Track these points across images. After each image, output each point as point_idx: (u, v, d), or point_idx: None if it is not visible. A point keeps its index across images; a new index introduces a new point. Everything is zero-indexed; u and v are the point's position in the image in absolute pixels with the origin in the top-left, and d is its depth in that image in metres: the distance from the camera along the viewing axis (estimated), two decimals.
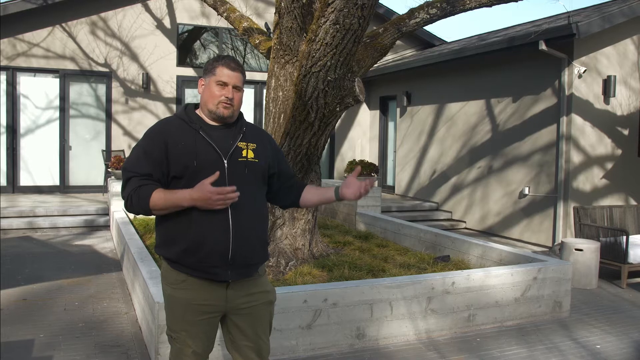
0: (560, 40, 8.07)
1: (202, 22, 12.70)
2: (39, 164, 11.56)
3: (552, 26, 8.41)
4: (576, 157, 8.35)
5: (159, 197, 2.34)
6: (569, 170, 8.33)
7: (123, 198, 2.43)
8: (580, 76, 8.26)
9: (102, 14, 11.90)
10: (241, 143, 2.49)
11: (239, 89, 2.48)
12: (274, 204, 2.78)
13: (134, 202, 2.36)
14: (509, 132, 9.46)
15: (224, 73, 2.44)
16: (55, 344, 4.27)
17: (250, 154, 2.50)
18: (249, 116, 13.22)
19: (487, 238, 9.11)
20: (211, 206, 2.30)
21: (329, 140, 13.72)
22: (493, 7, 6.38)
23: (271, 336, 4.04)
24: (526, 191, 9.04)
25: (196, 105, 2.57)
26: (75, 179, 11.87)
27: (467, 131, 10.50)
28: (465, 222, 10.52)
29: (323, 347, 4.24)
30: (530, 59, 8.97)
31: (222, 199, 2.29)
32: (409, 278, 4.67)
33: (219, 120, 2.48)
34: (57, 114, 11.64)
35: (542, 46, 8.09)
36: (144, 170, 2.39)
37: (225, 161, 2.42)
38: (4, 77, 11.30)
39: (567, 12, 8.99)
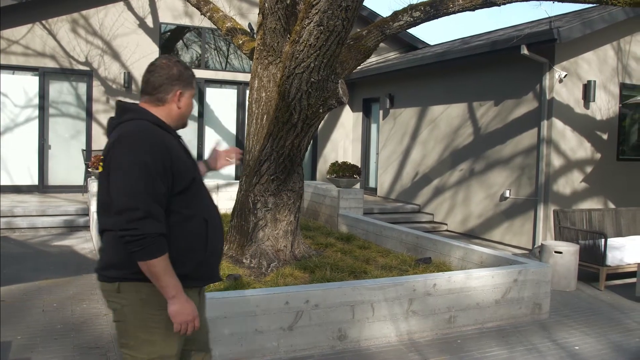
0: (542, 45, 8.16)
1: (185, 21, 12.62)
2: (17, 163, 11.38)
3: (534, 31, 8.50)
4: (556, 161, 8.44)
5: (166, 263, 2.14)
6: (550, 174, 8.42)
7: (132, 227, 2.08)
8: (561, 81, 8.35)
9: (84, 12, 11.77)
10: None
11: None
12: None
13: (144, 245, 2.09)
14: (491, 135, 9.53)
15: (195, 86, 2.46)
16: (33, 345, 4.21)
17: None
18: (231, 117, 13.17)
19: (468, 240, 9.17)
20: (181, 322, 2.20)
21: (311, 141, 13.76)
22: (476, 11, 6.42)
23: (253, 337, 4.04)
24: (507, 194, 9.11)
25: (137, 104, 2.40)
26: (54, 179, 11.71)
27: (450, 134, 10.57)
28: (446, 224, 10.57)
29: (304, 349, 4.23)
30: (512, 63, 9.06)
31: (191, 327, 2.24)
32: (391, 280, 4.68)
33: (178, 128, 2.45)
34: (36, 112, 11.47)
35: (524, 50, 8.17)
36: (160, 199, 2.16)
37: (196, 167, 2.46)
38: None
39: (549, 18, 9.11)
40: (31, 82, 11.49)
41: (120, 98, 12.02)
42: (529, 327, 5.05)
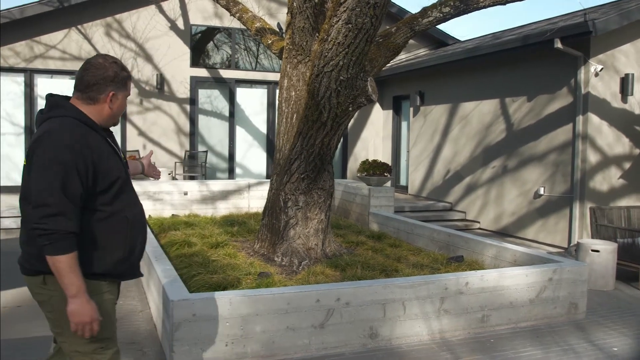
0: (576, 38, 7.99)
1: (215, 22, 12.75)
2: None
3: (567, 24, 8.33)
4: (593, 157, 8.26)
5: (72, 262, 2.17)
6: (586, 170, 8.25)
7: (43, 223, 2.13)
8: (596, 74, 8.17)
9: (117, 16, 11.99)
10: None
11: None
12: None
13: (52, 240, 2.14)
14: (524, 132, 9.38)
15: (130, 87, 2.50)
16: None
17: (123, 155, 2.60)
18: (262, 117, 13.26)
19: (501, 238, 9.05)
20: (78, 323, 2.21)
21: (341, 140, 13.75)
22: (507, 4, 6.32)
23: (284, 335, 4.06)
24: (541, 191, 8.96)
25: (67, 98, 2.39)
26: None
27: (481, 130, 10.44)
28: (479, 222, 10.45)
29: (336, 347, 4.23)
30: (545, 58, 8.89)
31: (88, 329, 2.24)
32: (422, 278, 4.65)
33: (108, 127, 2.48)
34: None
35: (558, 44, 8.01)
36: (75, 198, 2.19)
37: (125, 167, 2.51)
38: (21, 79, 11.43)
39: (584, 10, 8.91)
40: (68, 86, 11.75)
41: (152, 99, 12.21)
42: (564, 327, 4.95)
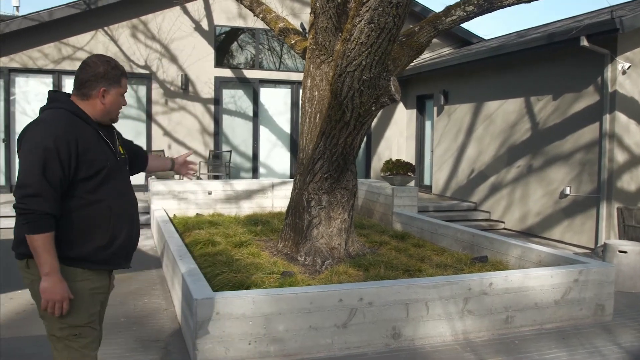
0: (603, 36, 7.86)
1: (239, 23, 12.83)
2: None
3: (594, 21, 8.21)
4: (620, 156, 8.13)
5: (46, 241, 2.29)
6: (613, 170, 8.12)
7: (22, 202, 2.28)
8: (624, 72, 8.03)
9: (143, 17, 12.15)
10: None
11: None
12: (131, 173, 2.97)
13: (29, 220, 2.28)
14: (549, 131, 9.26)
15: (125, 84, 2.60)
16: None
17: (123, 150, 2.70)
18: (285, 116, 13.32)
19: (526, 239, 8.95)
20: (48, 299, 2.32)
21: (365, 139, 13.73)
22: (532, 3, 6.25)
23: (307, 334, 4.08)
24: (567, 191, 8.84)
25: (68, 95, 2.55)
26: None
27: (506, 130, 10.34)
28: (504, 222, 10.35)
29: (359, 346, 4.24)
30: (571, 56, 8.77)
31: (58, 308, 2.35)
32: (446, 278, 4.63)
33: (105, 123, 2.58)
34: None
35: (584, 42, 7.89)
36: (54, 182, 2.31)
37: (118, 159, 2.59)
38: (50, 80, 11.65)
39: (610, 7, 8.76)
40: None
41: (177, 99, 12.33)
42: (590, 329, 4.88)
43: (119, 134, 2.74)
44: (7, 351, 4.09)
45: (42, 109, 2.49)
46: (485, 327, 4.63)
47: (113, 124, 2.69)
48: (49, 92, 2.52)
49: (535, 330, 4.78)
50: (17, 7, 18.54)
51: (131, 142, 2.94)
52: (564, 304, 4.93)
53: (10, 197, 10.54)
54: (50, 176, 2.29)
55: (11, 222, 9.20)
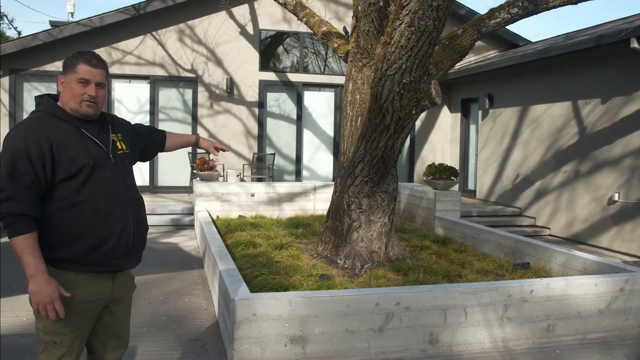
0: None
1: (283, 27, 12.95)
2: None
3: None
4: None
5: (28, 243, 2.25)
6: None
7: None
8: None
9: (189, 22, 12.41)
10: (113, 135, 2.55)
11: (102, 85, 2.46)
12: (145, 160, 2.95)
13: (7, 223, 2.26)
14: (597, 135, 9.01)
15: (84, 70, 2.41)
16: (139, 335, 4.50)
17: (123, 145, 2.59)
18: (329, 120, 13.36)
19: (572, 246, 8.72)
20: (38, 302, 2.27)
21: (408, 143, 13.68)
22: (579, 4, 6.11)
23: (343, 337, 4.10)
24: (616, 197, 8.57)
25: (55, 98, 2.48)
26: (163, 180, 12.45)
27: (553, 134, 10.10)
28: (549, 228, 10.11)
29: (395, 351, 4.23)
30: (620, 58, 8.51)
31: (50, 309, 2.28)
32: (485, 284, 4.57)
33: (82, 117, 2.44)
34: (147, 117, 12.25)
35: (634, 44, 7.65)
36: (26, 183, 2.27)
37: (111, 156, 2.49)
38: None
39: None
40: (143, 90, 12.28)
41: (222, 102, 12.53)
42: (637, 340, 4.72)
43: (122, 126, 2.67)
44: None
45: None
46: (525, 335, 4.54)
47: (120, 120, 2.67)
48: (35, 97, 2.49)
49: (578, 340, 4.66)
50: (72, 14, 19.20)
51: (140, 128, 2.88)
52: (608, 313, 4.79)
53: None
54: (21, 178, 2.25)
55: None
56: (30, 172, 2.27)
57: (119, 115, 2.89)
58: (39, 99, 2.48)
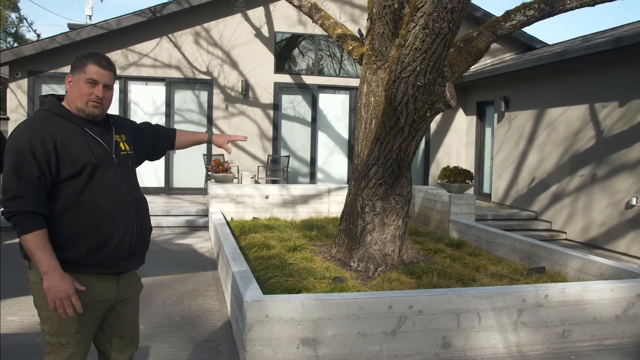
0: None
1: (299, 29, 12.98)
2: (146, 166, 12.24)
3: None
4: None
5: (38, 240, 2.25)
6: None
7: (6, 206, 2.26)
8: None
9: (205, 25, 12.48)
10: (116, 136, 2.56)
11: (109, 87, 2.48)
12: (152, 160, 2.95)
13: (16, 222, 2.26)
14: (615, 139, 8.90)
15: (93, 71, 2.42)
16: (153, 335, 4.53)
17: (127, 146, 2.60)
18: (344, 122, 13.36)
19: (588, 250, 8.62)
20: (54, 298, 2.26)
21: (423, 145, 13.63)
22: (596, 6, 6.05)
23: (355, 340, 4.08)
24: (634, 201, 8.46)
25: (59, 98, 2.49)
26: (178, 181, 12.52)
27: (569, 137, 10.00)
28: (565, 232, 10.01)
29: (407, 355, 4.20)
30: (639, 60, 8.41)
31: (67, 305, 2.27)
32: (499, 288, 4.53)
33: (87, 117, 2.45)
34: (163, 119, 12.33)
35: None
36: (32, 181, 2.27)
37: (114, 156, 2.50)
38: (116, 85, 12.13)
39: None
40: (159, 92, 12.37)
41: (237, 105, 12.57)
42: None
43: (126, 127, 2.68)
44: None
45: None
46: (539, 340, 4.50)
47: (124, 121, 2.68)
48: (39, 96, 2.53)
49: (594, 346, 4.60)
50: (90, 17, 19.42)
51: (146, 127, 2.88)
52: (625, 319, 4.72)
53: None
54: (27, 176, 2.26)
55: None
56: (36, 170, 2.27)
57: (134, 118, 2.91)
58: (42, 99, 2.50)
